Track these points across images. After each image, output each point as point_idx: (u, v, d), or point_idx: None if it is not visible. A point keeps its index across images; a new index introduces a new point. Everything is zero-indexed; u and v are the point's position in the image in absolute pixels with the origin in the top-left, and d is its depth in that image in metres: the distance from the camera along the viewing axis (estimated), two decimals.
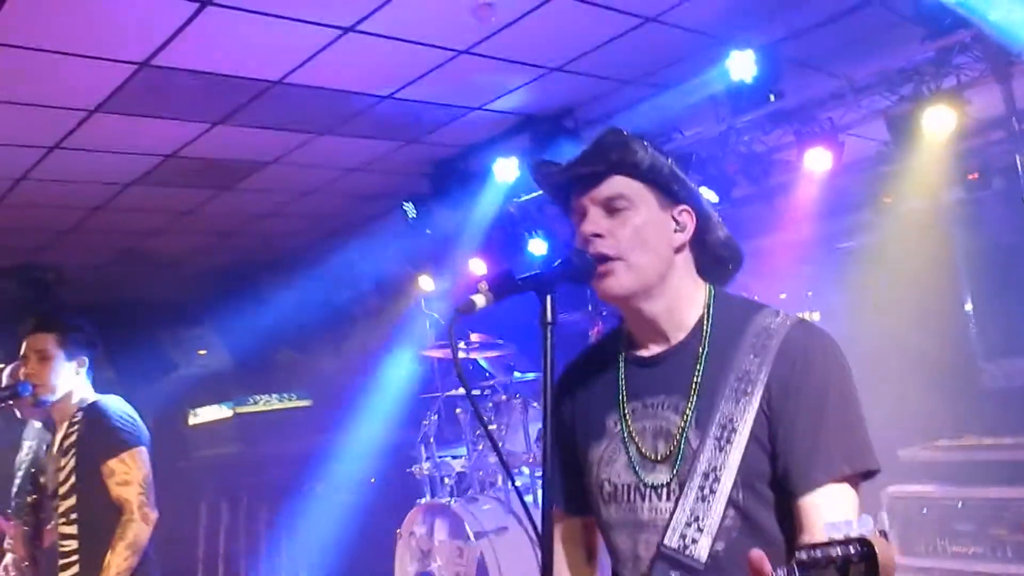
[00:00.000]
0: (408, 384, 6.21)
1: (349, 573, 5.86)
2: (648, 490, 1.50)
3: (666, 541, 1.44)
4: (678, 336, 1.56)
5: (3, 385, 3.80)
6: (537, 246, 5.49)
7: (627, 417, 1.56)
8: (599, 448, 1.59)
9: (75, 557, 2.61)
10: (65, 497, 2.63)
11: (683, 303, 1.56)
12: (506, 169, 5.27)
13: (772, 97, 4.49)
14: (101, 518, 2.59)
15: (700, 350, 1.52)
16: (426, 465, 4.62)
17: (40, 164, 4.86)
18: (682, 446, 1.47)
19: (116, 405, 2.90)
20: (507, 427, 4.42)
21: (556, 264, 1.51)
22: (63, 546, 2.62)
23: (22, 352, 2.90)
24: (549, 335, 1.46)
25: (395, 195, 5.89)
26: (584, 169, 1.54)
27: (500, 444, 4.40)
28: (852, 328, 4.97)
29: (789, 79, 4.51)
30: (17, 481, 4.00)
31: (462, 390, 4.79)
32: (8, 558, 3.78)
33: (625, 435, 1.55)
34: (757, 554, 1.09)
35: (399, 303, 6.53)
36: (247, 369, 7.62)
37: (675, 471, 1.47)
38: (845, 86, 4.45)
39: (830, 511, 1.36)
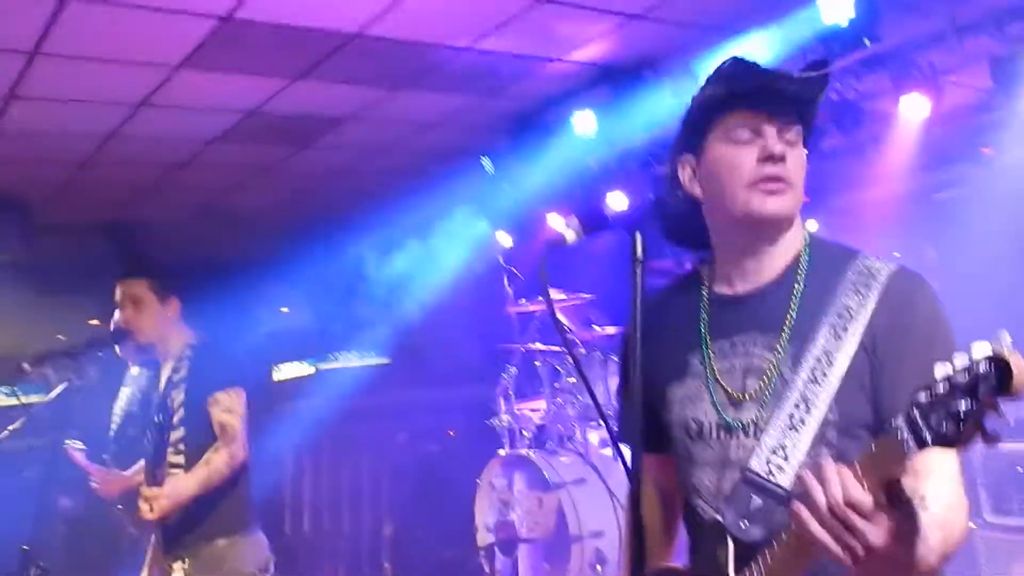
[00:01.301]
0: (486, 338, 6.24)
1: (429, 523, 5.99)
2: (737, 428, 1.50)
3: (751, 465, 1.43)
4: (770, 274, 1.54)
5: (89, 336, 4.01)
6: (616, 200, 5.41)
7: (712, 356, 1.55)
8: (681, 387, 1.59)
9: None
10: (175, 428, 2.74)
11: (788, 240, 1.55)
12: (585, 122, 5.19)
13: (867, 41, 4.27)
14: (206, 448, 2.70)
15: (795, 288, 1.51)
16: (505, 417, 4.66)
17: (126, 122, 4.99)
18: (775, 383, 1.46)
19: (225, 345, 3.03)
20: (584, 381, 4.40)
21: (652, 200, 1.52)
22: (171, 475, 2.72)
23: (116, 298, 2.99)
24: (639, 273, 1.45)
25: (472, 151, 5.87)
26: (795, 96, 1.51)
27: (579, 398, 4.40)
28: (944, 287, 4.76)
29: (886, 21, 4.28)
30: (114, 427, 4.20)
31: (540, 344, 4.81)
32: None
33: (710, 374, 1.54)
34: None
35: (477, 258, 6.55)
36: (328, 326, 7.79)
37: (764, 408, 1.47)
38: (947, 26, 4.20)
39: (939, 457, 1.31)
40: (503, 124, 5.72)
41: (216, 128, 5.26)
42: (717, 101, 1.52)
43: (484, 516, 4.44)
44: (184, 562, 2.79)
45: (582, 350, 4.49)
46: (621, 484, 4.29)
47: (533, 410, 4.75)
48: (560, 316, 4.77)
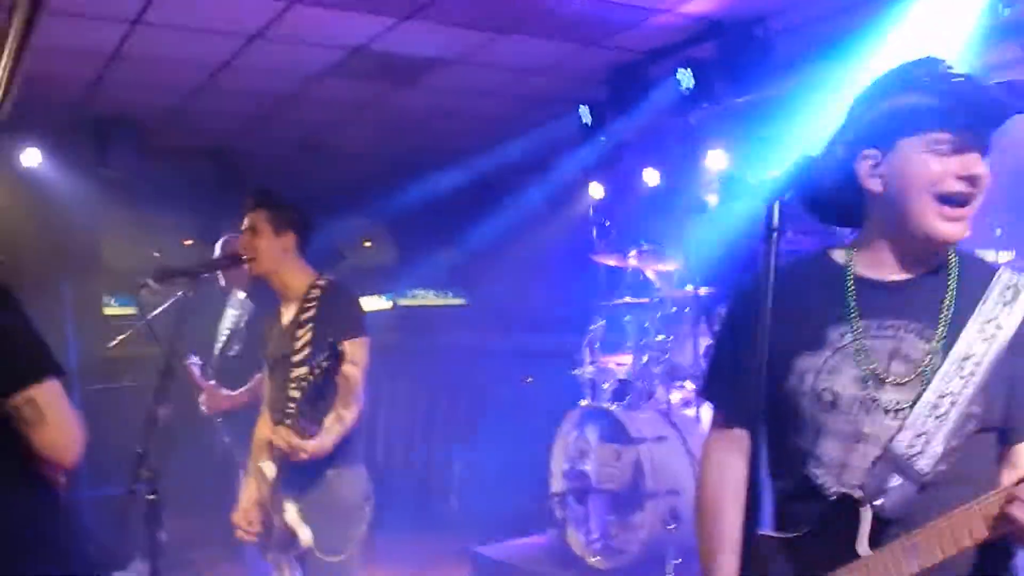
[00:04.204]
0: (573, 288, 6.27)
1: (505, 467, 6.12)
2: (876, 406, 1.54)
3: (895, 444, 1.48)
4: (921, 268, 1.60)
5: (217, 256, 4.15)
6: (716, 159, 5.32)
7: (860, 332, 1.58)
8: (816, 357, 1.61)
9: (293, 420, 2.79)
10: (298, 366, 2.82)
11: None
12: (688, 78, 5.08)
13: (1002, 8, 4.06)
14: (324, 391, 2.76)
15: (949, 286, 1.56)
16: (589, 369, 4.70)
17: (239, 53, 5.10)
18: (926, 371, 1.51)
19: (355, 291, 3.06)
20: (674, 339, 4.41)
21: (791, 174, 1.48)
22: (288, 408, 2.82)
23: (243, 227, 3.08)
24: (774, 242, 1.45)
25: (571, 100, 5.82)
26: (1000, 105, 1.50)
27: (666, 355, 4.40)
28: None
29: None
30: (219, 345, 4.40)
31: (629, 298, 4.83)
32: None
33: (854, 350, 1.58)
34: None
35: (567, 209, 6.55)
36: (410, 263, 7.92)
37: (911, 394, 1.52)
38: None
39: None
40: (604, 75, 5.64)
41: (323, 63, 5.32)
42: (926, 112, 1.50)
43: (560, 463, 4.53)
44: (296, 496, 2.89)
45: (672, 308, 4.48)
46: (701, 444, 4.31)
47: (618, 364, 4.79)
48: (650, 274, 4.78)
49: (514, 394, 6.69)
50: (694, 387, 4.55)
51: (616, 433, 4.31)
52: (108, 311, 6.82)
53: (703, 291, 4.56)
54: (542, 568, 4.45)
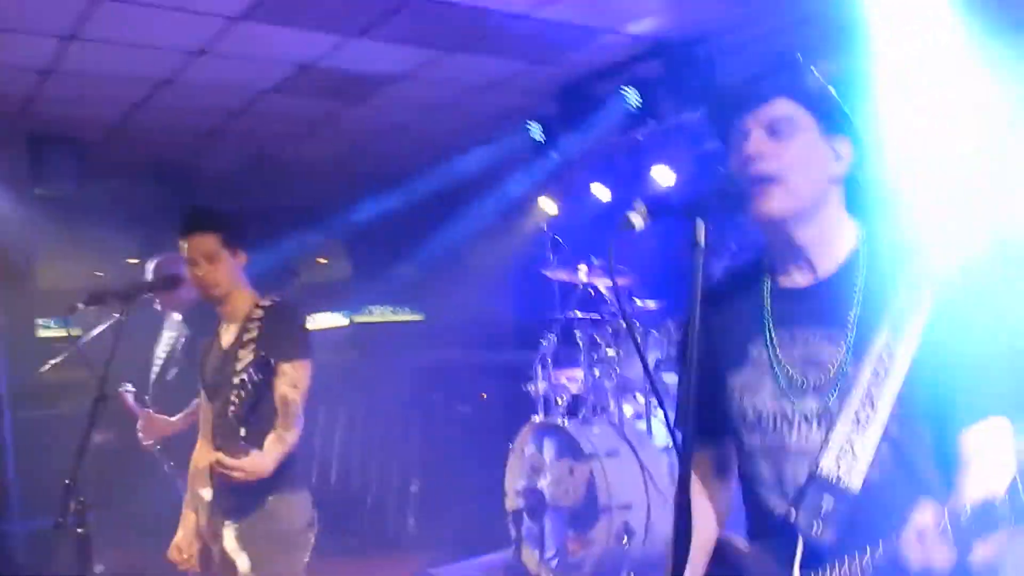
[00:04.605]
0: (526, 304, 6.28)
1: (457, 483, 6.07)
2: (798, 418, 1.53)
3: (821, 466, 1.46)
4: (827, 269, 1.56)
5: (151, 278, 4.04)
6: (662, 175, 5.38)
7: (775, 345, 1.57)
8: (741, 375, 1.62)
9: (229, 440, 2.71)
10: (239, 388, 2.74)
11: (833, 235, 1.57)
12: (635, 95, 5.14)
13: None
14: (263, 412, 2.70)
15: (857, 282, 1.52)
16: (541, 384, 4.70)
17: (183, 70, 5.03)
18: (837, 377, 1.49)
19: (301, 311, 2.97)
20: (625, 353, 4.43)
21: (714, 187, 1.50)
22: (225, 429, 2.74)
23: (186, 254, 2.92)
24: (699, 260, 1.46)
25: (521, 116, 5.85)
26: (752, 89, 1.55)
27: (616, 370, 4.42)
28: None
29: None
30: (155, 370, 4.28)
31: (580, 313, 4.84)
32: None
33: (773, 363, 1.57)
34: None
35: (519, 224, 6.56)
36: (365, 280, 7.86)
37: (827, 399, 1.49)
38: None
39: (991, 446, 1.39)
40: (554, 92, 5.69)
41: (271, 80, 5.28)
42: (714, 120, 1.63)
43: (514, 481, 4.51)
44: (234, 520, 2.82)
45: (622, 323, 4.50)
46: (653, 458, 4.36)
47: (570, 379, 4.79)
48: (603, 288, 4.80)
49: (470, 411, 6.66)
50: (645, 400, 4.58)
51: (569, 448, 4.30)
52: (43, 333, 6.62)
53: (651, 304, 4.59)
54: None
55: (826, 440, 1.47)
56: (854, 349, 1.48)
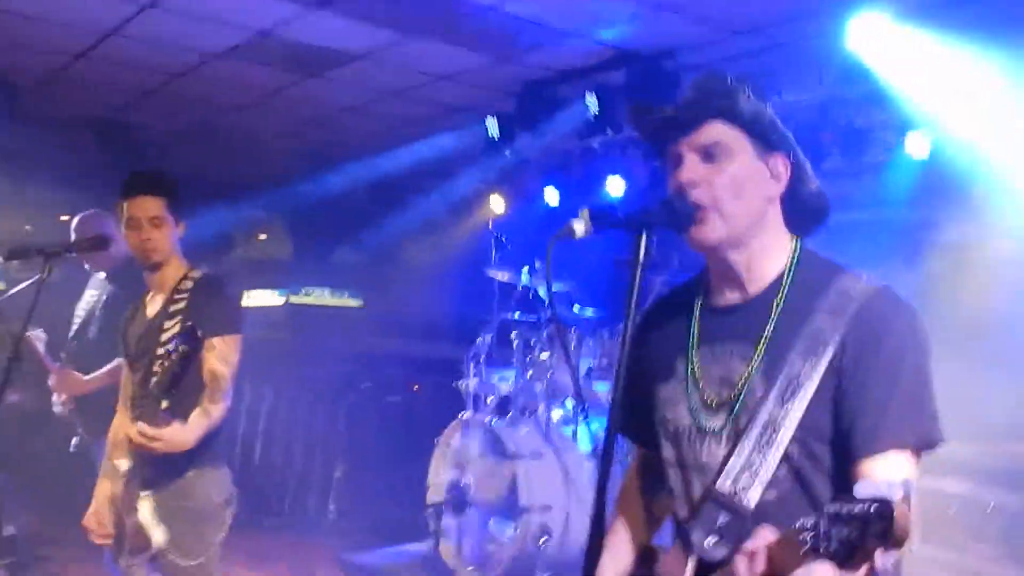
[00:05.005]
0: (465, 300, 6.25)
1: (381, 473, 6.03)
2: (706, 434, 1.55)
3: (718, 484, 1.48)
4: (757, 287, 1.57)
5: (75, 237, 3.89)
6: (615, 186, 5.42)
7: (694, 362, 1.60)
8: (666, 388, 1.65)
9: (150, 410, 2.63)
10: (163, 359, 2.65)
11: (767, 254, 1.58)
12: (596, 103, 5.16)
13: (881, 75, 4.31)
14: (187, 385, 2.63)
15: (776, 303, 1.53)
16: (473, 381, 4.69)
17: (132, 21, 4.84)
18: (743, 394, 1.50)
19: (230, 285, 2.90)
20: (558, 358, 4.45)
21: (658, 204, 1.51)
22: (146, 399, 2.65)
23: (126, 216, 2.82)
24: (638, 275, 1.47)
25: (479, 110, 5.82)
26: (684, 114, 1.53)
27: (548, 375, 4.44)
28: None
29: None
30: (74, 327, 4.13)
31: (518, 314, 4.84)
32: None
33: (690, 379, 1.60)
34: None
35: (466, 219, 6.54)
36: (304, 261, 7.73)
37: (733, 417, 1.51)
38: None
39: (888, 477, 1.35)
40: (515, 89, 5.68)
41: (225, 43, 5.13)
42: (649, 142, 1.64)
43: (438, 475, 4.49)
44: (151, 492, 2.76)
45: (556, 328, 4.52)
46: (576, 463, 4.39)
47: (501, 379, 4.79)
48: (542, 292, 4.81)
49: (400, 401, 6.61)
50: (574, 405, 4.61)
51: (495, 447, 4.31)
52: None
53: (588, 312, 4.62)
54: None
55: (727, 457, 1.49)
56: (764, 369, 1.49)
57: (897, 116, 4.51)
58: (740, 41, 4.74)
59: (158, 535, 2.74)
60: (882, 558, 1.07)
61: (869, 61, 4.23)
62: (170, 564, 2.73)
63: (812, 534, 1.10)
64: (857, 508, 1.06)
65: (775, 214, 1.58)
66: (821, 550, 1.09)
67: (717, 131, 1.51)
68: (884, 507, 1.04)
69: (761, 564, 1.22)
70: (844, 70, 4.46)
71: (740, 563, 1.25)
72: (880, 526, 1.04)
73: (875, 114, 4.67)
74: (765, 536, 1.23)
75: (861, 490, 1.09)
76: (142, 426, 2.51)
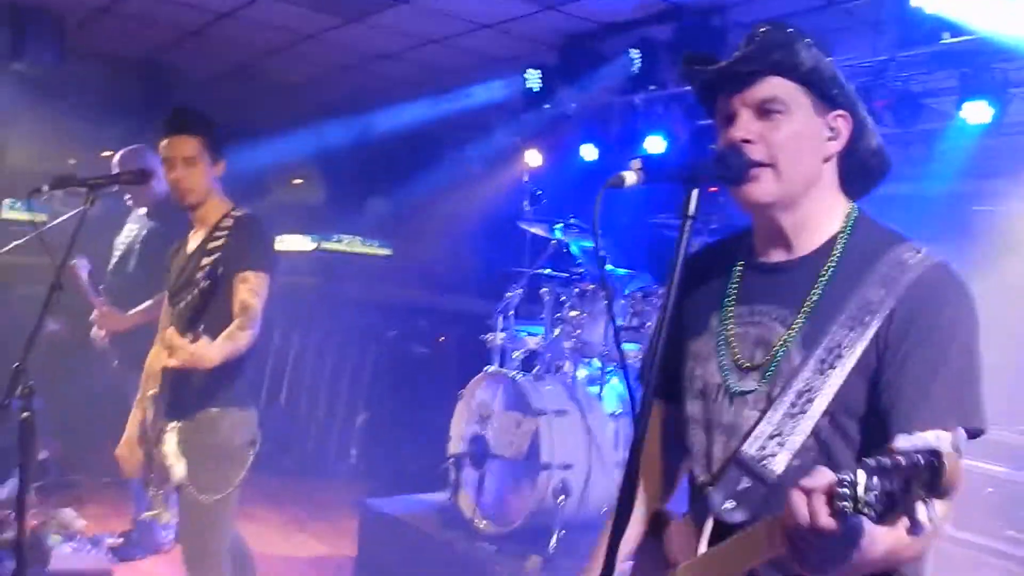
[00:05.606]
0: (496, 253, 6.22)
1: (404, 422, 6.07)
2: (735, 395, 1.50)
3: (745, 447, 1.44)
4: (805, 249, 1.51)
5: (118, 171, 3.92)
6: (654, 144, 5.31)
7: (730, 319, 1.55)
8: (697, 343, 1.60)
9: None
10: (198, 291, 2.70)
11: (820, 216, 1.51)
12: (640, 58, 5.05)
13: (947, 35, 4.14)
14: (220, 319, 2.67)
15: (825, 268, 1.47)
16: (501, 335, 4.66)
17: None
18: (779, 359, 1.45)
19: (268, 227, 2.94)
20: (588, 316, 4.40)
21: (711, 159, 1.45)
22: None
23: (164, 154, 2.87)
24: (687, 229, 1.41)
25: (520, 62, 5.72)
26: (741, 67, 1.45)
27: (577, 332, 4.40)
28: None
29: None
30: (113, 260, 4.18)
31: (549, 270, 4.79)
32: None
33: (724, 336, 1.55)
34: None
35: (501, 172, 6.47)
36: (337, 208, 7.73)
37: (766, 382, 1.46)
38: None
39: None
40: (556, 42, 5.57)
41: None
42: (699, 97, 1.57)
43: (460, 426, 4.49)
44: (180, 423, 2.81)
45: (590, 285, 4.47)
46: (600, 423, 4.37)
47: (530, 334, 4.76)
48: (575, 249, 4.75)
49: (426, 352, 6.64)
50: (601, 365, 4.57)
51: (519, 402, 4.29)
52: (5, 215, 6.43)
53: (621, 271, 4.56)
54: (428, 526, 4.44)
55: (758, 422, 1.45)
56: (803, 336, 1.43)
57: (958, 80, 4.34)
58: None
59: (179, 469, 2.78)
60: (925, 512, 1.01)
61: (931, 19, 4.04)
62: (189, 498, 2.77)
63: (849, 486, 1.04)
64: (902, 458, 1.01)
65: (831, 174, 1.51)
66: (860, 504, 1.03)
67: (774, 86, 1.44)
68: (933, 455, 0.99)
69: (822, 504, 1.12)
70: (902, 30, 4.28)
71: (798, 501, 1.15)
72: (927, 475, 0.99)
73: (933, 79, 4.50)
74: (825, 475, 1.14)
75: (901, 443, 1.03)
76: (170, 333, 2.53)
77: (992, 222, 4.98)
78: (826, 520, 1.11)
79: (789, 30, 1.43)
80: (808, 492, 1.14)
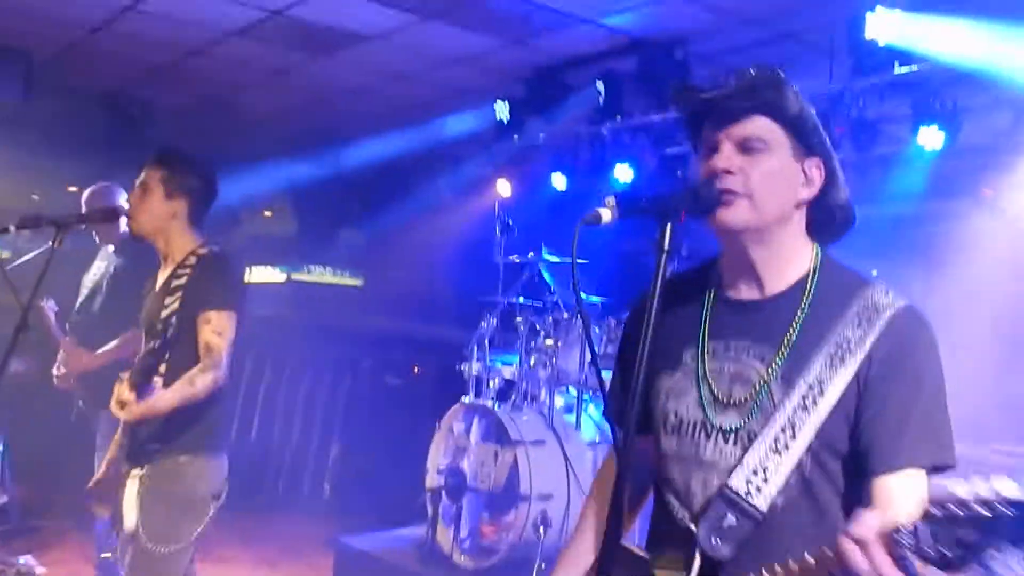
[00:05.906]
0: (469, 283, 6.23)
1: (378, 454, 6.03)
2: (715, 431, 1.52)
3: (731, 483, 1.46)
4: (776, 287, 1.54)
5: (87, 209, 3.89)
6: (623, 172, 5.39)
7: (706, 355, 1.56)
8: (670, 379, 1.61)
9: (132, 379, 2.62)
10: (161, 332, 2.64)
11: (790, 255, 1.55)
12: (605, 89, 5.14)
13: (898, 64, 4.29)
14: (185, 360, 2.61)
15: (800, 307, 1.51)
16: (476, 365, 4.67)
17: None
18: (761, 396, 1.48)
19: (235, 264, 2.88)
20: (562, 344, 4.44)
21: (685, 190, 1.48)
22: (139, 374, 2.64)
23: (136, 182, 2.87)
24: (663, 263, 1.44)
25: (489, 94, 5.79)
26: (730, 103, 1.50)
27: (552, 361, 4.43)
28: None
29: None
30: (81, 299, 4.13)
31: (523, 299, 4.83)
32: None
33: (700, 372, 1.56)
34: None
35: (472, 203, 6.51)
36: (308, 239, 7.72)
37: (748, 418, 1.48)
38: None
39: (905, 495, 1.38)
40: (524, 74, 5.65)
41: (238, 22, 5.12)
42: (684, 122, 1.61)
43: (437, 459, 4.48)
44: (142, 470, 2.71)
45: (564, 314, 4.51)
46: (579, 451, 4.39)
47: (505, 364, 4.78)
48: (547, 277, 4.80)
49: (400, 383, 6.62)
50: (577, 393, 4.60)
51: (496, 433, 4.30)
52: None
53: (594, 299, 4.61)
54: (406, 562, 4.39)
55: (741, 458, 1.47)
56: (783, 373, 1.47)
57: (911, 108, 4.49)
58: (750, 30, 4.71)
59: (130, 518, 2.69)
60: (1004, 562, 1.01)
61: (884, 50, 4.19)
62: (140, 544, 2.66)
63: (912, 537, 1.06)
64: (978, 508, 1.01)
65: (800, 218, 1.56)
66: (932, 554, 1.04)
67: (760, 125, 1.49)
68: (1014, 506, 0.99)
69: (879, 552, 1.13)
70: (856, 60, 4.42)
71: (850, 551, 1.16)
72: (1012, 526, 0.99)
73: (887, 106, 4.64)
74: (869, 523, 1.15)
75: (955, 489, 1.04)
76: (120, 388, 2.47)
77: (948, 241, 5.14)
78: (890, 571, 1.13)
79: (780, 74, 1.49)
80: (861, 543, 1.15)
